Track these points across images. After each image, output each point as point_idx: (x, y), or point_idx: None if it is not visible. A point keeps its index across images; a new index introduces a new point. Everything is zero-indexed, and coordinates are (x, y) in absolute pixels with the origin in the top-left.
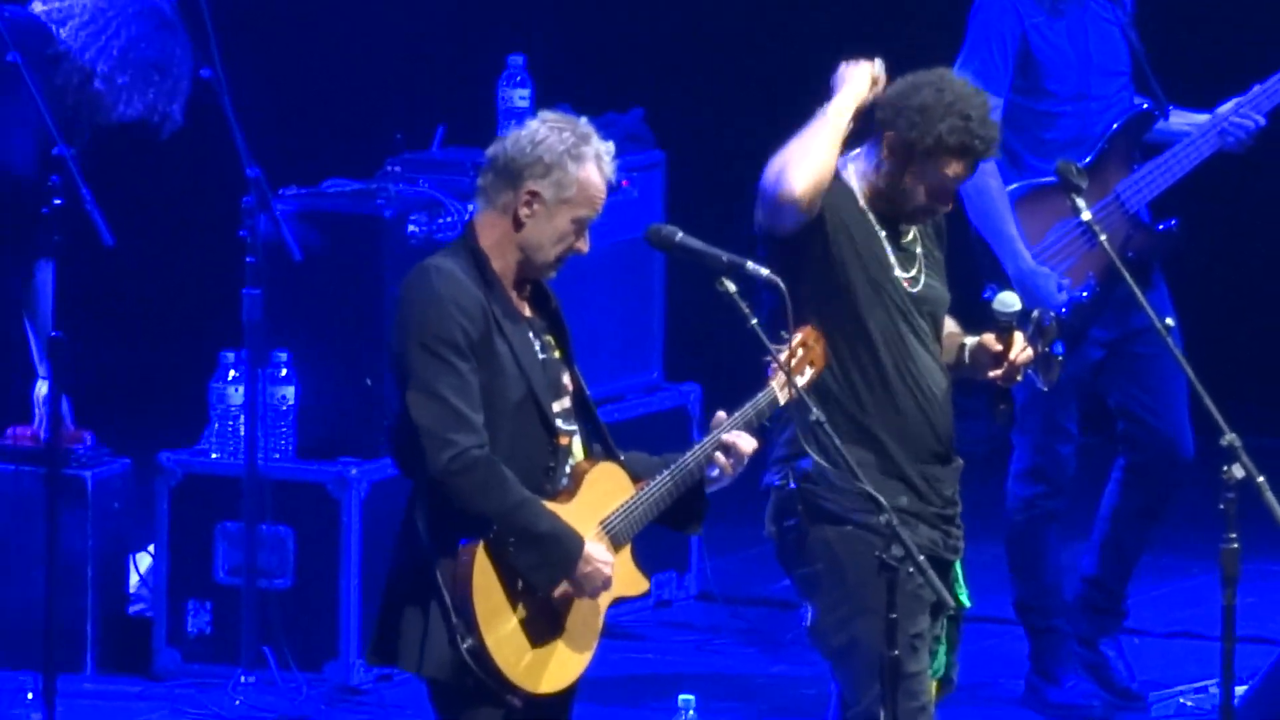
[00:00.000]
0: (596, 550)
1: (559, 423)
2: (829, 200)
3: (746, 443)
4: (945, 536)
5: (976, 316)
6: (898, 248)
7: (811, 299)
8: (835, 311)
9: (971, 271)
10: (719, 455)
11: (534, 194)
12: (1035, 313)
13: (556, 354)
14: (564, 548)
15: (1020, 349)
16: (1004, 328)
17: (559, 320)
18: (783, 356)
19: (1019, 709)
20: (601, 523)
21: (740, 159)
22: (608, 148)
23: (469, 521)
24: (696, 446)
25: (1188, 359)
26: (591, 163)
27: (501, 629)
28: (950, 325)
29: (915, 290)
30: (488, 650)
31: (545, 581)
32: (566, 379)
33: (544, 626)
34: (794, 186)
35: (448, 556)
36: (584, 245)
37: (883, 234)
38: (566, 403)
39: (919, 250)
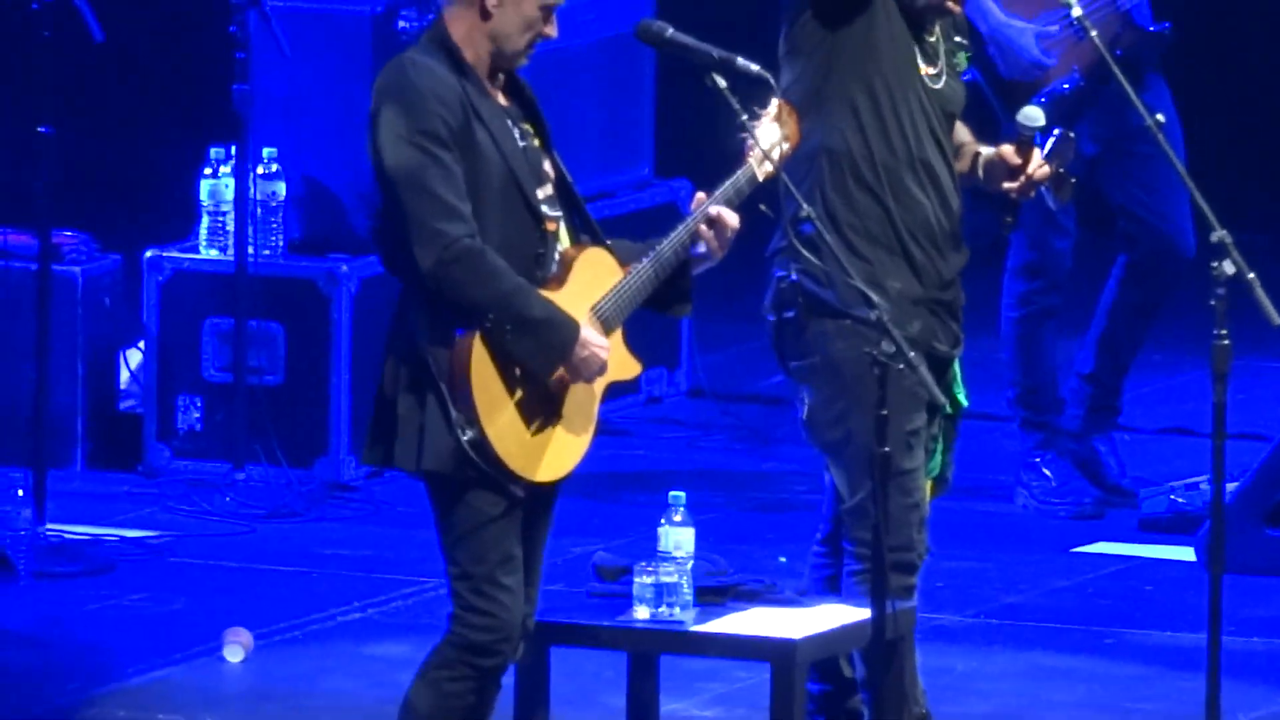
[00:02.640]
0: (591, 334)
1: (544, 209)
2: None
3: (731, 217)
4: (942, 326)
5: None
6: (921, 44)
7: (837, 66)
8: (860, 81)
9: None
10: (704, 230)
11: None
12: (1057, 130)
13: (535, 142)
14: (560, 332)
15: (1038, 165)
16: (1024, 141)
17: (535, 109)
18: (759, 133)
19: (1011, 505)
20: (593, 307)
21: None
22: None
23: (463, 313)
24: (681, 225)
25: (1189, 157)
26: None
27: (500, 418)
28: (964, 134)
29: (937, 87)
30: (489, 440)
31: (543, 367)
32: (547, 166)
33: (541, 414)
34: None
35: (443, 348)
36: (552, 30)
37: (907, 28)
38: (549, 190)
39: (942, 49)
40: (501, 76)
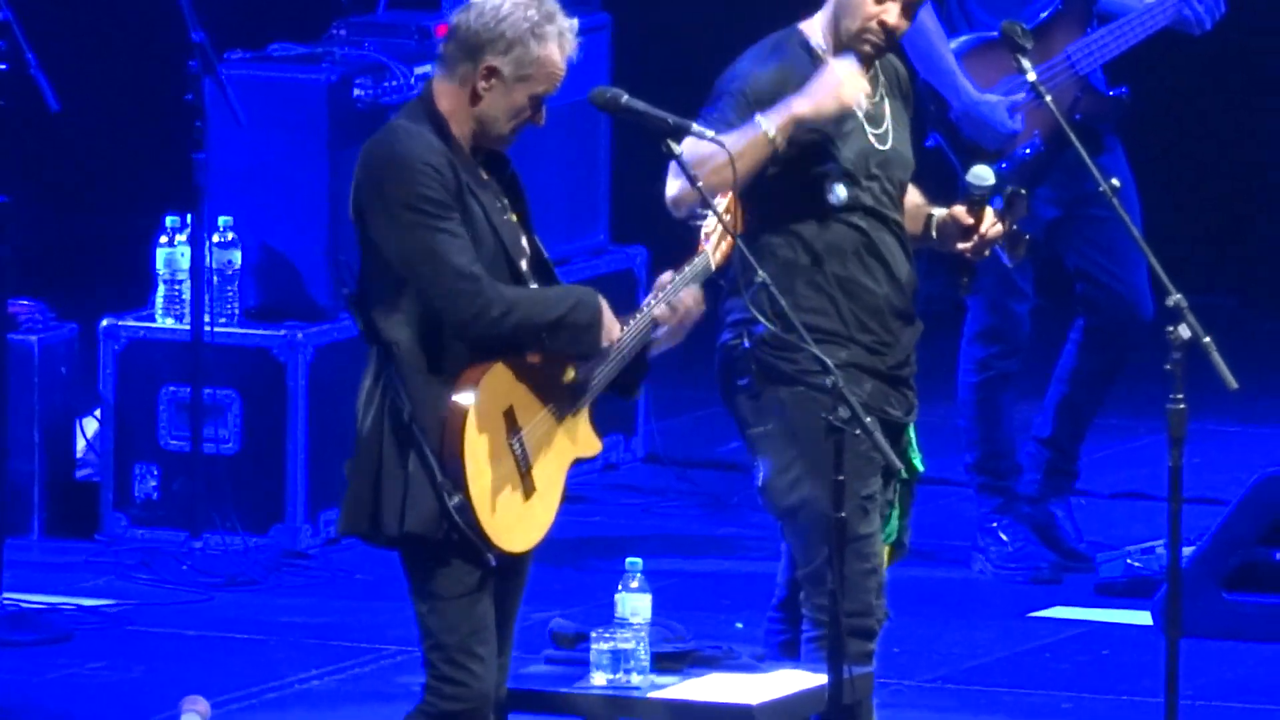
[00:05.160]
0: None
1: (528, 282)
2: (795, 76)
3: (695, 301)
4: (896, 395)
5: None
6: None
7: (775, 165)
8: (800, 173)
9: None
10: (667, 314)
11: (493, 69)
12: (1008, 188)
13: (513, 217)
14: (585, 307)
15: (991, 223)
16: (976, 201)
17: (515, 185)
18: (711, 222)
19: (968, 570)
20: (566, 382)
21: (685, 22)
22: (571, 25)
23: (507, 349)
24: (640, 313)
25: (1145, 220)
26: (553, 41)
27: (484, 487)
28: (916, 196)
29: (883, 148)
30: (473, 507)
31: (593, 343)
32: (524, 242)
33: (519, 485)
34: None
35: (433, 416)
36: (540, 119)
37: None
38: (524, 265)
39: (886, 109)
40: (483, 152)
